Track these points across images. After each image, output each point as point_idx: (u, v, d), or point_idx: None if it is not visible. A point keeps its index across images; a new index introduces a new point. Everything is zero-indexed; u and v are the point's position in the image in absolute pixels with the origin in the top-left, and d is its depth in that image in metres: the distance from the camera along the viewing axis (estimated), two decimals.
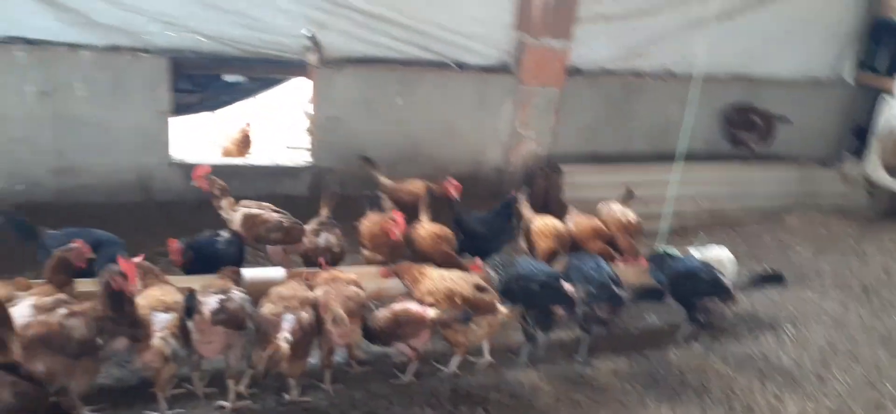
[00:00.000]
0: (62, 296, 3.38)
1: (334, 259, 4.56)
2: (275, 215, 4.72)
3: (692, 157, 6.24)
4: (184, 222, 5.11)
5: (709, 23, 6.25)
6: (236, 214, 4.70)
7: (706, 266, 4.80)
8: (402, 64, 6.40)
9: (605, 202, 5.65)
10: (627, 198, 5.70)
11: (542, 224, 5.28)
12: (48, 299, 3.26)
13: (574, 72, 6.99)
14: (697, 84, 5.62)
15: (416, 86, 6.38)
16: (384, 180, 5.66)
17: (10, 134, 5.28)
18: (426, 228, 4.92)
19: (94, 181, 5.55)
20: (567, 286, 4.35)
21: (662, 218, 5.81)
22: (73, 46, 5.34)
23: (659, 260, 4.98)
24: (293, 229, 4.69)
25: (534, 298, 4.32)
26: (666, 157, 6.45)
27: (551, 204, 6.48)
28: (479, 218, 5.33)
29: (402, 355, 4.08)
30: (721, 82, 7.56)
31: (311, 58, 5.95)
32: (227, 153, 7.10)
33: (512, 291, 4.37)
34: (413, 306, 3.91)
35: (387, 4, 6.13)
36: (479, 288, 4.05)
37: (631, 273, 5.00)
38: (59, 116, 5.37)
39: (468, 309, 3.89)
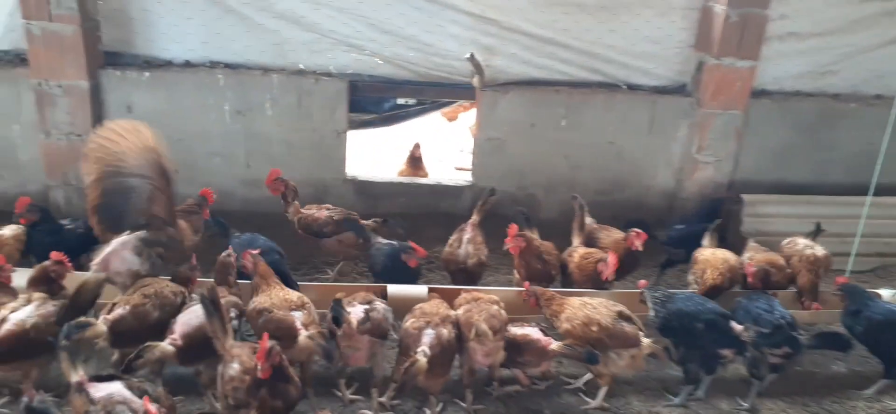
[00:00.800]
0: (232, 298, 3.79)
1: (470, 273, 4.71)
2: (325, 212, 5.15)
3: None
4: None
5: None
6: (297, 216, 5.17)
7: None
8: (568, 86, 6.27)
9: (791, 239, 5.11)
10: (816, 233, 5.10)
11: (711, 254, 4.87)
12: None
13: (760, 94, 6.40)
14: None
15: (583, 108, 6.22)
16: (588, 220, 5.49)
17: (210, 148, 5.94)
18: (579, 252, 4.79)
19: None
20: (736, 327, 3.98)
21: (852, 254, 5.12)
22: (266, 70, 5.90)
23: (857, 298, 4.35)
24: (344, 221, 5.08)
25: (697, 337, 4.00)
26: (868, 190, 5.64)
27: (728, 235, 5.95)
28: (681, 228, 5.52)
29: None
30: None
31: (475, 80, 6.04)
32: (400, 173, 7.36)
33: (672, 328, 4.08)
34: (536, 334, 3.78)
35: (556, 27, 6.06)
36: (622, 316, 3.81)
37: (818, 314, 4.46)
38: (249, 133, 5.94)
39: (592, 350, 3.67)
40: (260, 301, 3.74)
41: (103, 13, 5.60)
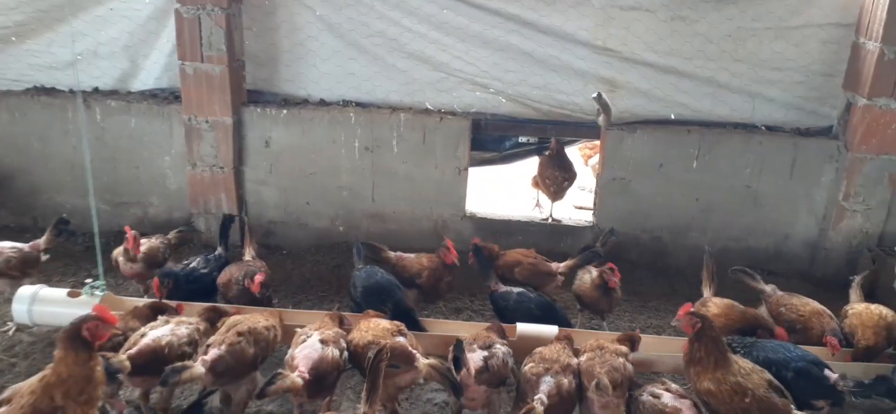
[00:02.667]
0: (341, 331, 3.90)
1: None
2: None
3: None
4: (468, 271, 5.35)
5: None
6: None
7: None
8: (700, 125, 6.01)
9: None
10: None
11: (865, 310, 4.44)
12: (330, 333, 3.76)
13: None
14: None
15: (715, 148, 5.92)
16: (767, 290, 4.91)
17: (341, 182, 6.18)
18: (715, 303, 4.53)
19: (397, 227, 6.20)
20: (831, 375, 3.62)
21: None
22: (394, 109, 6.09)
23: None
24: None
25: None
26: None
27: (878, 291, 5.41)
28: None
29: None
30: None
31: (600, 119, 5.92)
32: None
33: None
34: (670, 399, 3.50)
35: (686, 60, 5.85)
36: (771, 385, 3.51)
37: None
38: (376, 169, 6.13)
39: None
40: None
41: (248, 54, 6.02)
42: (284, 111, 6.00)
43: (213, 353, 3.56)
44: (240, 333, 3.70)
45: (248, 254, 5.15)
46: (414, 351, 3.61)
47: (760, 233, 6.10)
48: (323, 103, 6.12)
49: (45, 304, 4.41)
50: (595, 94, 5.74)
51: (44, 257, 4.99)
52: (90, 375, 3.08)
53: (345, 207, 6.25)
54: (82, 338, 3.10)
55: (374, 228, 6.20)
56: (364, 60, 5.99)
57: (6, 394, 3.08)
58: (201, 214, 6.18)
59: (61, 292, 4.47)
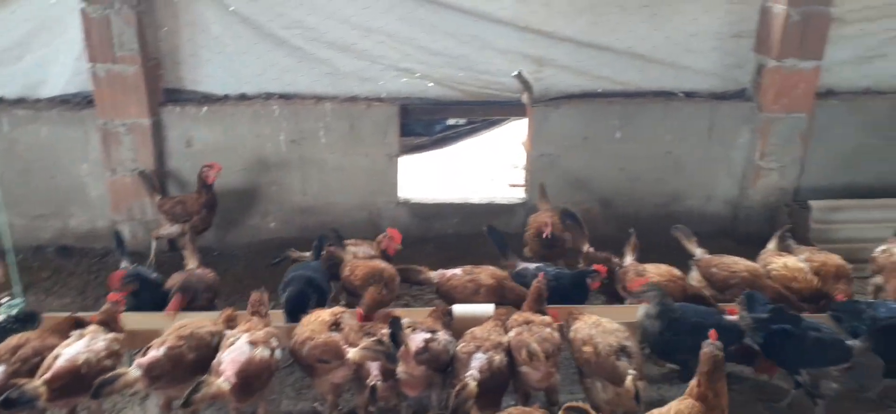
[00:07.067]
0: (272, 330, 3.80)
1: None
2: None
3: None
4: (409, 258, 5.34)
5: None
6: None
7: None
8: (622, 96, 6.15)
9: (886, 247, 4.84)
10: None
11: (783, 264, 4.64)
12: (260, 333, 3.68)
13: (827, 94, 6.11)
14: None
15: (638, 118, 6.07)
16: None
17: (270, 177, 6.07)
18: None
19: (331, 219, 6.13)
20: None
21: None
22: (319, 99, 6.00)
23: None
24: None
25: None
26: None
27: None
28: None
29: None
30: None
31: (524, 97, 5.98)
32: None
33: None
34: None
35: (605, 33, 5.96)
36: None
37: None
38: (305, 161, 6.05)
39: None
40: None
41: (164, 52, 5.83)
42: (205, 108, 5.85)
43: (150, 354, 3.45)
44: (181, 337, 3.59)
45: (192, 262, 4.86)
46: (343, 345, 3.56)
47: (684, 196, 6.31)
48: (245, 98, 5.99)
49: None
50: (515, 73, 5.80)
51: None
52: None
53: (275, 203, 6.14)
54: None
55: (307, 222, 6.13)
56: (284, 52, 5.88)
57: None
58: (126, 220, 5.98)
59: None
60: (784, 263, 4.61)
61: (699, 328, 3.50)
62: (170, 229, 5.62)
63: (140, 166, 5.78)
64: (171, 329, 3.66)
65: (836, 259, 4.63)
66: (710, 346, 3.09)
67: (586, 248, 4.98)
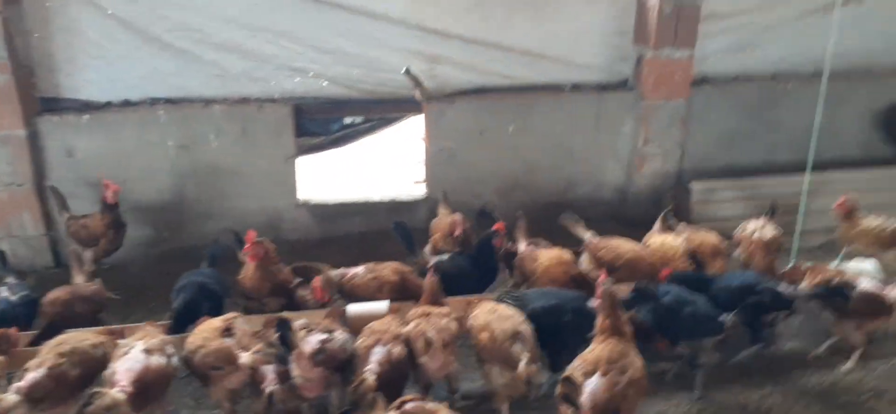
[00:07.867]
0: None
1: None
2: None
3: (842, 163, 5.51)
4: (313, 258, 5.28)
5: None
6: None
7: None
8: (514, 91, 6.32)
9: (742, 224, 5.21)
10: (772, 213, 5.18)
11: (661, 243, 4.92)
12: (155, 341, 3.59)
13: (701, 81, 6.52)
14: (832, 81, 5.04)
15: (530, 111, 6.27)
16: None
17: (158, 186, 5.85)
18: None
19: (229, 224, 5.95)
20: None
21: (797, 231, 5.22)
22: (208, 102, 5.84)
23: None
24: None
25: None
26: (819, 166, 5.68)
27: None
28: None
29: None
30: (876, 77, 6.73)
31: (416, 94, 6.05)
32: None
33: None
34: None
35: (494, 30, 6.11)
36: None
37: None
38: (197, 167, 5.87)
39: None
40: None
41: (37, 59, 5.51)
42: (86, 116, 5.58)
43: (29, 377, 3.27)
44: (62, 354, 3.41)
45: (79, 277, 4.65)
46: (235, 351, 3.52)
47: (578, 184, 6.57)
48: (128, 104, 5.75)
49: None
50: (404, 70, 5.86)
51: None
52: None
53: (168, 211, 5.93)
54: None
55: (203, 229, 5.95)
56: (169, 55, 5.68)
57: None
58: (5, 236, 5.61)
59: None
60: (662, 241, 4.91)
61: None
62: (85, 254, 5.24)
63: (18, 180, 5.45)
64: (48, 347, 3.48)
65: (712, 238, 4.97)
66: (605, 284, 3.45)
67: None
